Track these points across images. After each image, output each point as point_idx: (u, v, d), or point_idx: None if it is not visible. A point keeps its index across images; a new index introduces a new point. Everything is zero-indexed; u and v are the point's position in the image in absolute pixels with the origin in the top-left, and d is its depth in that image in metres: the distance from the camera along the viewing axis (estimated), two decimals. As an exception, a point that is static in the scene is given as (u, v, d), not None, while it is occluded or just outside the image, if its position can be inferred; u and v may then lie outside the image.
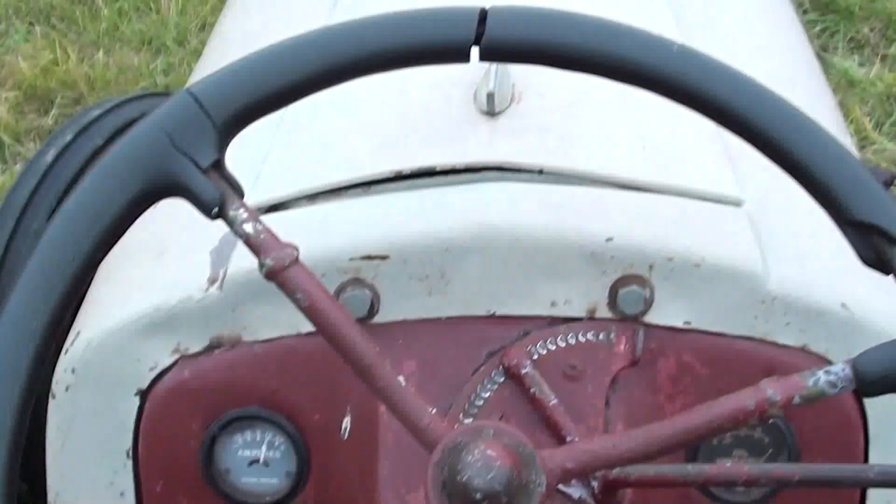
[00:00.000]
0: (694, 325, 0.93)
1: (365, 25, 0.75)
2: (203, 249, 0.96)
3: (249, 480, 0.98)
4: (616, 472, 0.82)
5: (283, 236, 0.77)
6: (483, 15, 0.74)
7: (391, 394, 0.72)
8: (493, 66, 0.99)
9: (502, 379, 0.92)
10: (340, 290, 0.93)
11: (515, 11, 0.75)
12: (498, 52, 0.75)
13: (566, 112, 1.02)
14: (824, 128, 0.73)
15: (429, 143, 0.98)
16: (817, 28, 3.07)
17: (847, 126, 1.39)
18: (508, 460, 0.67)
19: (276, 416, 0.96)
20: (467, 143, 0.98)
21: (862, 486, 0.82)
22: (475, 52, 0.75)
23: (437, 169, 0.96)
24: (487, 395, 0.92)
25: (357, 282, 0.93)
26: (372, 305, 0.93)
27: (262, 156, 1.03)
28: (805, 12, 3.13)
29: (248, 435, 0.98)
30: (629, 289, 0.91)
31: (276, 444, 0.97)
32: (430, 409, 0.72)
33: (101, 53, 2.96)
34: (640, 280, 0.91)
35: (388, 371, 0.72)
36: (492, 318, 0.94)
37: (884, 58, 2.99)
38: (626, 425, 0.90)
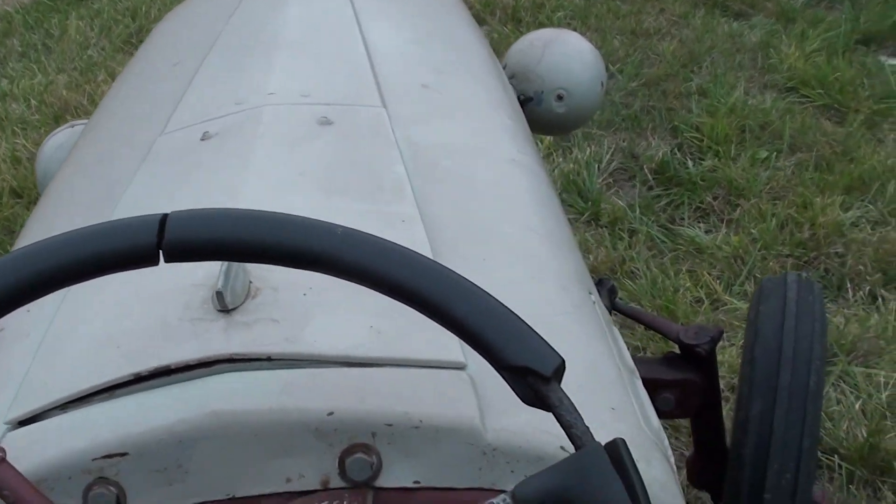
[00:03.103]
0: (423, 484, 0.97)
1: (61, 240, 0.82)
2: None
3: None
4: None
5: (38, 445, 0.86)
6: (164, 221, 0.81)
7: None
8: (224, 266, 1.06)
9: None
10: (88, 489, 0.96)
11: (193, 214, 0.82)
12: (181, 253, 0.82)
13: (299, 302, 1.08)
14: (475, 286, 0.80)
15: (168, 343, 1.04)
16: (663, 202, 3.16)
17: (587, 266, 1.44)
18: None
19: None
20: (201, 340, 1.03)
21: None
22: (161, 255, 0.82)
23: (173, 367, 1.01)
24: None
25: (102, 480, 0.96)
26: (118, 501, 0.96)
27: (23, 369, 1.08)
28: (650, 188, 3.23)
29: None
30: (355, 457, 0.96)
31: None
32: None
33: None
34: (365, 448, 0.96)
35: None
36: (231, 501, 0.97)
37: (728, 222, 3.08)
38: None
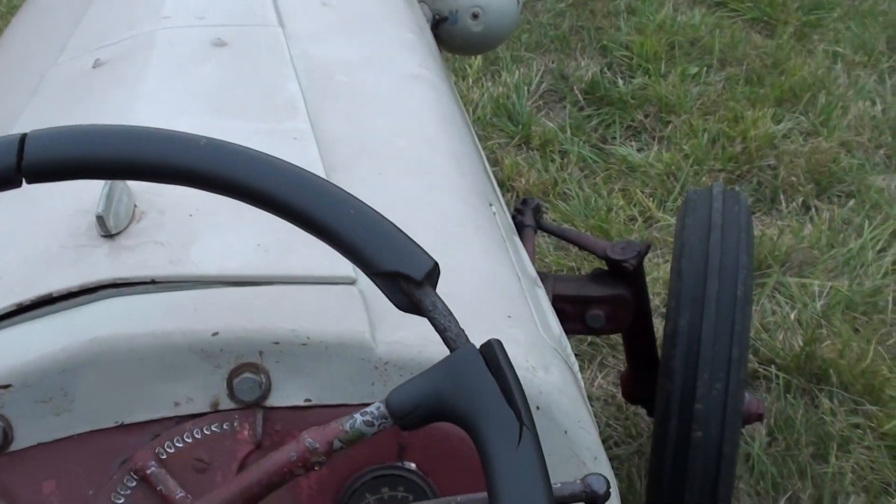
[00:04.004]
0: (315, 402, 0.96)
1: None
2: None
3: None
4: None
5: None
6: (22, 141, 0.78)
7: None
8: (105, 189, 1.03)
9: (134, 483, 0.94)
10: None
11: (53, 133, 0.80)
12: (43, 174, 0.80)
13: (185, 224, 1.06)
14: (341, 190, 0.78)
15: (49, 271, 1.02)
16: (594, 122, 3.14)
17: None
18: None
19: None
20: (84, 266, 1.01)
21: None
22: (22, 177, 0.79)
23: (55, 295, 0.99)
24: (122, 500, 0.94)
25: None
26: (5, 434, 0.94)
27: None
28: (581, 109, 3.20)
29: None
30: (243, 377, 0.95)
31: None
32: None
33: None
34: (254, 367, 0.95)
35: None
36: (121, 428, 0.96)
37: (660, 139, 3.06)
38: None
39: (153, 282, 0.99)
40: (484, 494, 0.80)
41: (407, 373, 0.94)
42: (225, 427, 0.95)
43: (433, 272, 0.75)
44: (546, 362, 1.00)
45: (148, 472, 0.93)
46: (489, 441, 0.67)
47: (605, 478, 0.80)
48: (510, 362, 0.70)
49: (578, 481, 0.80)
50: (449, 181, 1.23)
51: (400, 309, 0.76)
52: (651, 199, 2.82)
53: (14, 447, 0.95)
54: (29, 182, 0.80)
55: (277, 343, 0.94)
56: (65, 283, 0.99)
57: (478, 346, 0.71)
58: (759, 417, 1.79)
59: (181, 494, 0.92)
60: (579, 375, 1.07)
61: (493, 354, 0.70)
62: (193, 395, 0.95)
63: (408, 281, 0.75)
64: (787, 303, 2.50)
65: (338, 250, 0.77)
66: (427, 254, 0.76)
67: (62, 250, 1.03)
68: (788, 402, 2.26)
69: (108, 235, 1.03)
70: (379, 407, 0.72)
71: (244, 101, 1.24)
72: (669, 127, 3.11)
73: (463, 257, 1.03)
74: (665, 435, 1.55)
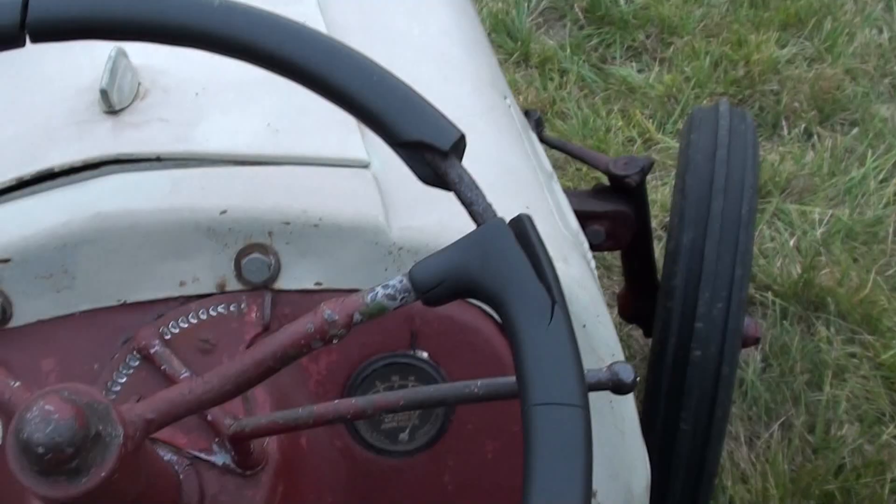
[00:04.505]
0: (325, 286, 0.94)
1: None
2: None
3: None
4: (234, 427, 0.83)
5: None
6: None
7: None
8: (109, 64, 1.00)
9: (137, 363, 0.92)
10: None
11: None
12: (48, 32, 0.76)
13: (191, 102, 1.03)
14: (364, 56, 0.73)
15: (52, 146, 0.99)
16: (595, 41, 3.07)
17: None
18: (69, 413, 0.65)
19: None
20: (87, 142, 0.98)
21: (469, 402, 0.80)
22: (27, 35, 0.75)
23: (57, 170, 0.96)
24: (124, 380, 0.92)
25: None
26: (3, 310, 0.93)
27: None
28: (581, 28, 3.14)
29: None
30: (252, 257, 0.92)
31: None
32: (13, 384, 0.72)
33: None
34: (262, 248, 0.92)
35: None
36: (124, 307, 0.94)
37: (661, 61, 3.00)
38: (267, 392, 0.91)
39: (158, 159, 0.96)
40: (509, 379, 0.76)
41: (420, 258, 0.92)
42: (232, 308, 0.93)
43: (459, 143, 0.71)
44: (565, 254, 0.97)
45: (152, 351, 0.91)
46: (519, 318, 0.63)
47: (631, 367, 0.76)
48: (540, 237, 0.65)
49: (605, 369, 0.76)
50: (465, 72, 1.19)
51: (423, 181, 0.72)
52: (651, 120, 2.77)
53: (13, 323, 0.93)
54: (33, 41, 0.75)
55: (288, 223, 0.91)
56: (67, 158, 0.96)
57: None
58: (756, 341, 1.76)
59: (186, 374, 0.90)
60: (596, 273, 1.03)
61: (523, 228, 0.66)
62: (199, 275, 0.93)
63: (433, 151, 0.70)
64: (787, 229, 2.46)
65: (359, 118, 0.73)
66: (453, 125, 0.71)
67: (64, 126, 1.00)
68: (784, 329, 2.22)
69: (112, 112, 1.00)
70: (402, 280, 0.68)
71: None
72: (671, 48, 3.04)
73: (480, 147, 0.99)
74: (663, 354, 1.51)
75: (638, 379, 0.76)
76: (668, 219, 2.21)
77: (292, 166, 0.96)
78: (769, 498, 1.87)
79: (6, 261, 0.91)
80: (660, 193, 2.48)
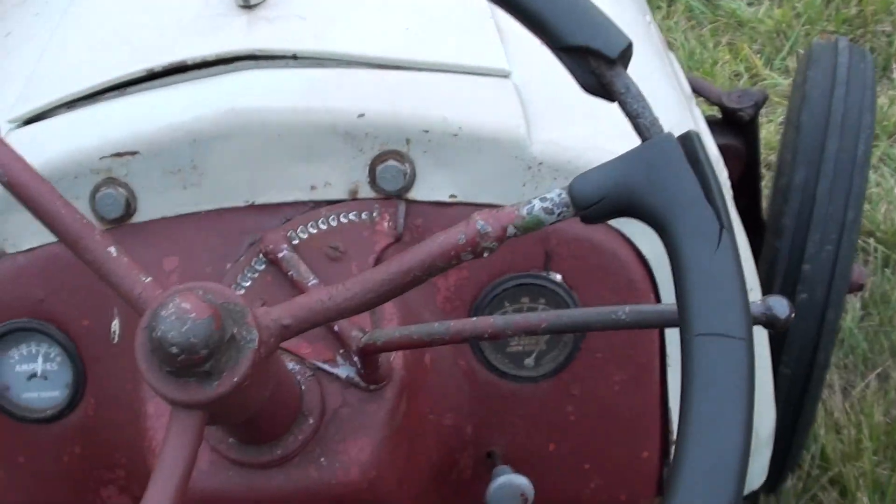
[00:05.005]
0: (460, 198, 0.91)
1: None
2: None
3: (30, 395, 0.96)
4: (365, 339, 0.81)
5: (44, 144, 0.85)
6: None
7: (101, 265, 0.69)
8: None
9: (262, 266, 0.91)
10: (95, 191, 0.91)
11: None
12: None
13: (329, 1, 1.00)
14: None
15: (184, 39, 0.97)
16: (705, -29, 2.99)
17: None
18: (206, 313, 0.62)
19: (46, 326, 0.94)
20: (221, 36, 0.96)
21: (614, 328, 0.77)
22: None
23: (189, 63, 0.94)
24: (248, 283, 0.90)
25: (110, 181, 0.91)
26: (128, 204, 0.92)
27: (29, 68, 1.03)
28: (692, -43, 3.05)
29: (23, 349, 0.96)
30: (387, 164, 0.89)
31: (52, 355, 0.96)
32: (144, 279, 0.69)
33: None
34: (399, 155, 0.89)
35: (97, 242, 0.68)
36: (252, 208, 0.92)
37: (772, -5, 2.91)
38: (395, 306, 0.88)
39: (294, 57, 0.93)
40: (657, 307, 0.73)
41: (562, 177, 0.89)
42: (364, 216, 0.91)
43: (627, 52, 0.66)
44: None
45: (279, 255, 0.89)
46: (685, 241, 0.59)
47: (788, 302, 0.72)
48: (709, 157, 0.61)
49: (759, 302, 0.72)
50: None
51: (585, 90, 0.67)
52: (758, 55, 2.69)
53: (136, 219, 0.92)
54: None
55: (427, 131, 0.88)
56: (200, 51, 0.94)
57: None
58: (860, 287, 1.70)
59: (314, 281, 0.88)
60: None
61: (692, 146, 0.61)
62: (332, 180, 0.90)
63: (599, 58, 0.65)
64: (893, 175, 2.39)
65: (520, 19, 0.68)
66: (622, 32, 0.66)
67: (198, 19, 0.97)
68: (885, 278, 2.16)
69: (247, 6, 0.97)
70: (561, 194, 0.63)
71: None
72: (783, -18, 2.95)
73: None
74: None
75: (794, 315, 0.72)
76: (773, 157, 2.16)
77: (431, 73, 0.93)
78: (862, 450, 1.83)
79: (134, 153, 0.89)
80: (765, 131, 2.41)
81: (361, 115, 0.88)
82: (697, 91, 1.75)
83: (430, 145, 0.89)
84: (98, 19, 1.05)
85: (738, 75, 2.64)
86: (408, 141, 0.89)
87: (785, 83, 2.60)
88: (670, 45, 2.69)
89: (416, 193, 0.91)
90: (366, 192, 0.91)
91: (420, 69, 0.93)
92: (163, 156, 0.90)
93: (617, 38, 0.65)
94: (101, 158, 0.90)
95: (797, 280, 1.45)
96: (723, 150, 1.66)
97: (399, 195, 0.91)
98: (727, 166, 1.67)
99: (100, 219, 0.91)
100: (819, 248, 1.45)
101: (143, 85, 0.95)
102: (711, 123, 1.69)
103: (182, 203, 0.92)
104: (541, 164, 0.89)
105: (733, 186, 1.75)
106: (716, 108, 1.70)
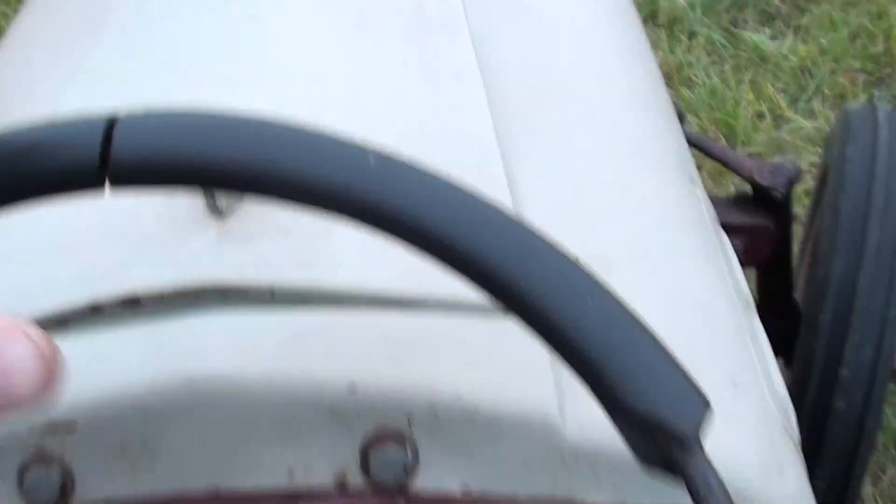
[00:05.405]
0: (474, 490, 0.73)
1: None
2: None
3: None
4: None
5: None
6: (111, 127, 0.52)
7: None
8: None
9: None
10: (23, 470, 0.72)
11: (153, 119, 0.54)
12: (136, 176, 0.54)
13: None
14: (580, 266, 0.51)
15: (138, 261, 0.78)
16: (726, 3, 2.89)
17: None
18: None
19: None
20: (182, 258, 0.78)
21: None
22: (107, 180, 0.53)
23: (141, 297, 0.75)
24: None
25: (42, 459, 0.73)
26: (63, 486, 0.72)
27: None
28: (714, -15, 2.95)
29: None
30: (382, 449, 0.71)
31: None
32: None
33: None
34: (398, 437, 0.71)
35: None
36: (216, 496, 0.74)
37: (796, 29, 2.82)
38: None
39: (272, 294, 0.76)
40: None
41: (602, 470, 0.71)
42: None
43: (705, 423, 0.48)
44: (779, 457, 0.76)
45: None
46: None
47: None
48: None
49: None
50: (646, 149, 0.95)
51: (643, 461, 0.50)
52: (782, 94, 2.60)
53: (76, 500, 0.73)
54: (113, 185, 0.53)
55: (434, 407, 0.70)
56: (157, 279, 0.76)
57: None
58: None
59: None
60: (802, 457, 0.84)
61: None
62: (314, 464, 0.73)
63: (670, 436, 0.48)
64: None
65: (562, 354, 0.50)
66: (701, 392, 0.49)
67: (157, 231, 0.80)
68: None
69: (218, 214, 0.79)
70: None
71: (392, 12, 0.98)
72: (806, 16, 2.85)
73: (672, 285, 0.78)
74: (802, 399, 1.38)
75: None
76: (801, 214, 2.06)
77: (439, 316, 0.75)
78: (891, 541, 1.75)
79: (72, 427, 0.72)
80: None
81: (353, 389, 0.71)
82: (728, 165, 1.65)
83: (437, 425, 0.71)
84: (30, 232, 0.83)
85: (761, 116, 2.54)
86: (410, 420, 0.71)
87: (809, 126, 2.50)
88: (690, 84, 2.60)
89: (419, 483, 0.73)
90: (356, 479, 0.73)
91: (428, 307, 0.76)
92: (107, 431, 0.72)
93: (695, 405, 0.48)
94: (29, 430, 0.72)
95: (834, 385, 1.36)
96: (753, 229, 1.57)
97: (397, 486, 0.73)
98: (757, 248, 1.58)
99: (30, 502, 0.74)
100: (858, 351, 1.36)
101: (86, 321, 0.76)
102: (742, 201, 1.60)
103: (131, 485, 0.74)
104: (576, 452, 0.71)
105: (760, 267, 1.65)
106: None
